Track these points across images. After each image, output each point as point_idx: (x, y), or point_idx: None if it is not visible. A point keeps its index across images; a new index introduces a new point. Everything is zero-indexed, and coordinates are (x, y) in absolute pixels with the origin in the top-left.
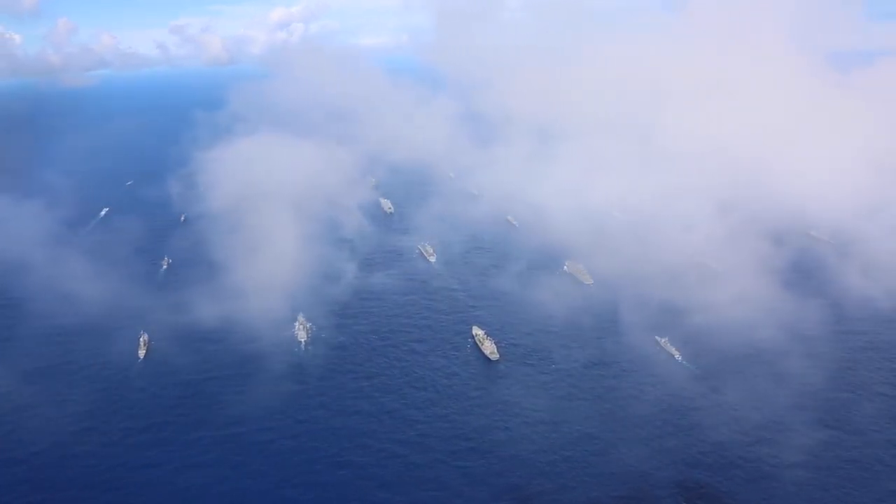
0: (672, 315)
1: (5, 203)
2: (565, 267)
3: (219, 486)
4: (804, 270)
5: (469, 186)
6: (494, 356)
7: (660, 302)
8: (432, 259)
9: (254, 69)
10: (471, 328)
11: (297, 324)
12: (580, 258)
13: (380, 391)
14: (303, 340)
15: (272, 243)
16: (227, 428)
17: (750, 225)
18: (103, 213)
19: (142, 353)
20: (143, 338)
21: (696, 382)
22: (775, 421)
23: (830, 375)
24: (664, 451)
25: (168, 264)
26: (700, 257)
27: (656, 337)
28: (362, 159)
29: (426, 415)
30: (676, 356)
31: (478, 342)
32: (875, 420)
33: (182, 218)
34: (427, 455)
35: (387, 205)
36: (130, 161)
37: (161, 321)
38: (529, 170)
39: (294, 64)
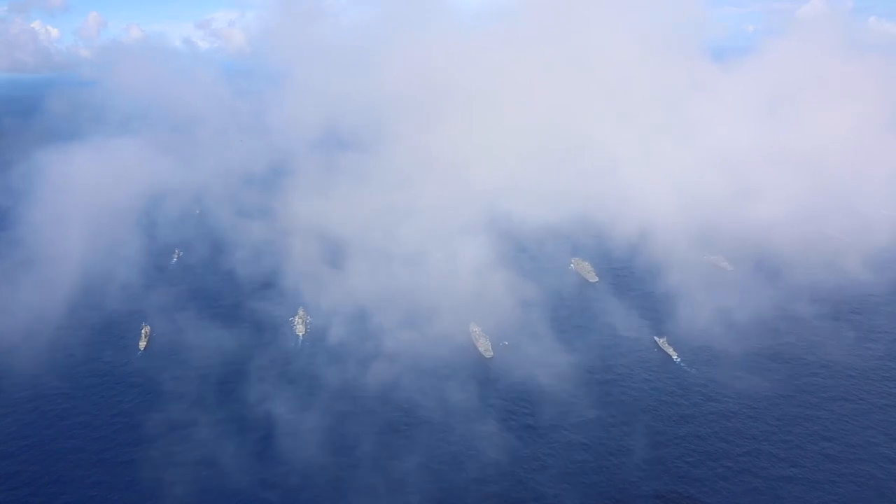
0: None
1: None
2: (572, 265)
3: (203, 484)
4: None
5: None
6: (489, 354)
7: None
8: None
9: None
10: (469, 325)
11: (296, 318)
12: None
13: (368, 392)
14: (301, 335)
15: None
16: (214, 427)
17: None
18: None
19: (142, 344)
20: (145, 329)
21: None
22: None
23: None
24: (653, 460)
25: None
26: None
27: (655, 337)
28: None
29: (412, 418)
30: (675, 357)
31: (473, 339)
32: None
33: None
34: (410, 460)
35: None
36: None
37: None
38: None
39: (127, 68)
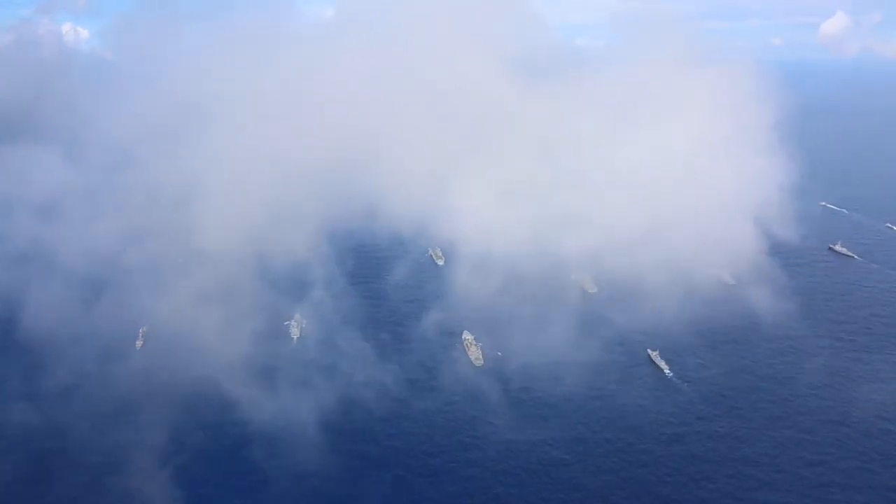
0: None
1: None
2: (573, 276)
3: (180, 490)
4: None
5: None
6: (479, 362)
7: None
8: None
9: None
10: (461, 332)
11: (293, 321)
12: None
13: (349, 402)
14: (295, 337)
15: None
16: (190, 433)
17: None
18: None
19: (139, 343)
20: (143, 330)
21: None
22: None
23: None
24: (634, 480)
25: None
26: None
27: (648, 350)
28: None
29: (394, 428)
30: (666, 371)
31: (465, 347)
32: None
33: None
34: (385, 472)
35: None
36: None
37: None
38: None
39: None
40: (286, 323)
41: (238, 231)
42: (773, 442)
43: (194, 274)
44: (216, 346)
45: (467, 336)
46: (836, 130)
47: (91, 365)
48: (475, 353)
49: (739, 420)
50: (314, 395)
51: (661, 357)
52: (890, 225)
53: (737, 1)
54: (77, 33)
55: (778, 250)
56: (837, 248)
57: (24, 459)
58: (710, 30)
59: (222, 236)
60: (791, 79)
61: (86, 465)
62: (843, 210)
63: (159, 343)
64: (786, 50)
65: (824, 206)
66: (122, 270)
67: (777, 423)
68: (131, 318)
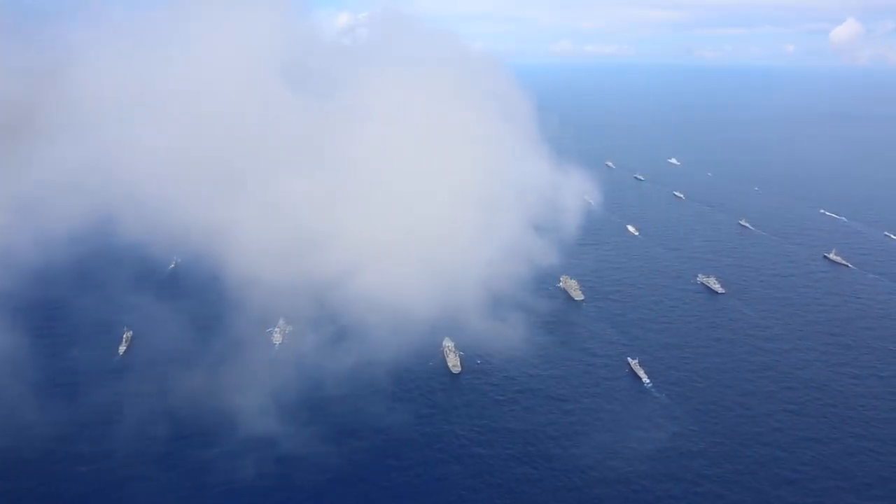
0: None
1: None
2: (560, 283)
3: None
4: None
5: None
6: (457, 369)
7: None
8: None
9: None
10: (442, 339)
11: (277, 328)
12: None
13: (323, 411)
14: (277, 343)
15: None
16: (171, 443)
17: None
18: None
19: (122, 349)
20: (127, 334)
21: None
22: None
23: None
24: (599, 499)
25: None
26: None
27: (628, 359)
28: None
29: (366, 442)
30: (645, 381)
31: (444, 354)
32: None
33: None
34: (354, 487)
35: None
36: None
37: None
38: None
39: None
40: (268, 330)
41: None
42: (750, 460)
43: None
44: None
45: (448, 343)
46: (842, 137)
47: None
48: (453, 361)
49: (715, 436)
50: None
51: (640, 366)
52: (889, 234)
53: (749, 8)
54: None
55: (765, 259)
56: (832, 256)
57: None
58: (722, 37)
59: None
60: (802, 85)
61: None
62: (843, 218)
63: None
64: (799, 56)
65: (823, 213)
66: None
67: (754, 439)
68: None
